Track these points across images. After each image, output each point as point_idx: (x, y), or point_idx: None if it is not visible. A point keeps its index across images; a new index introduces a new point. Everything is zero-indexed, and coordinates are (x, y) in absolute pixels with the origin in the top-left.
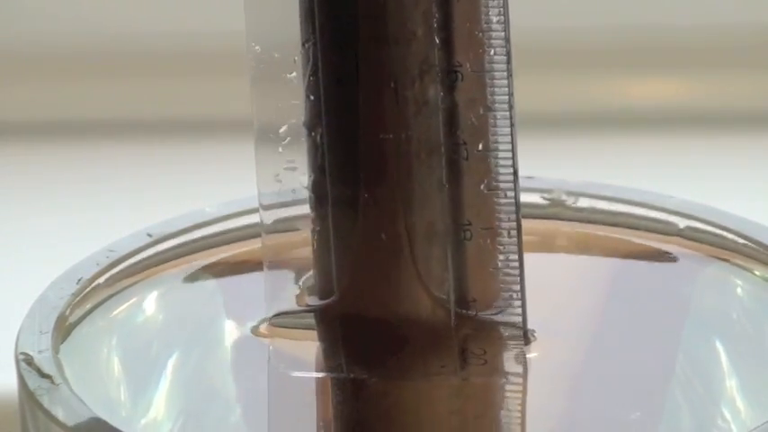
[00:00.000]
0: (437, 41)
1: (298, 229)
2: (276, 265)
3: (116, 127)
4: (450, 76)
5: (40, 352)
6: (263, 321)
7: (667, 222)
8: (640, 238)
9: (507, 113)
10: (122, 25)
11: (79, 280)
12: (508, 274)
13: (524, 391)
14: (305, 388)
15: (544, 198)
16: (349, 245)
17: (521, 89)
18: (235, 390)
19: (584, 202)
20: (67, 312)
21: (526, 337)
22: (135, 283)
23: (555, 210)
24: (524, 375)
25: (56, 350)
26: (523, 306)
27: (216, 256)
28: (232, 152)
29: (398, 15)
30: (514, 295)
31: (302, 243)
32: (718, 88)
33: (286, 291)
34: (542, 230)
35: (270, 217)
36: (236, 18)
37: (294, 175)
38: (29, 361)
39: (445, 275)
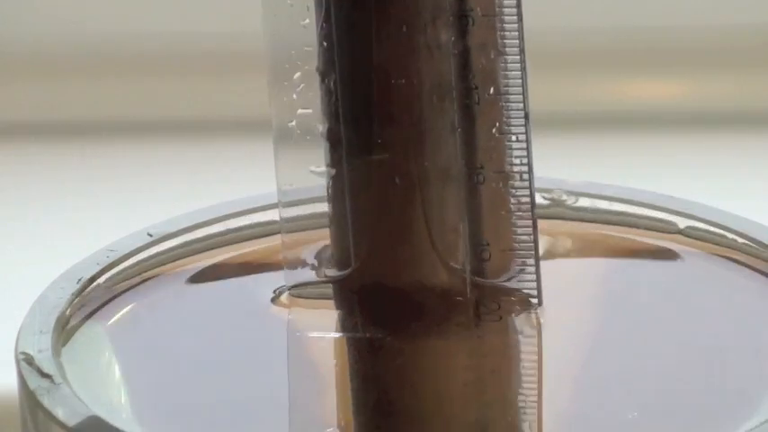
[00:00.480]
0: None
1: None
2: (294, 241)
3: (115, 127)
4: (462, 20)
5: (40, 351)
6: (281, 291)
7: (667, 222)
8: (640, 238)
9: (518, 57)
10: (122, 25)
11: (79, 280)
12: (520, 218)
13: (540, 349)
14: (323, 348)
15: (544, 198)
16: (364, 191)
17: None
18: (237, 391)
19: (584, 202)
20: (68, 312)
21: (540, 297)
22: (135, 283)
23: (555, 210)
24: (538, 334)
25: (56, 350)
26: (537, 268)
27: (217, 256)
28: (232, 152)
29: None
30: (528, 261)
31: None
32: (718, 88)
33: (304, 263)
34: (542, 230)
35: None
36: (236, 19)
37: (309, 121)
38: (29, 361)
39: (459, 219)
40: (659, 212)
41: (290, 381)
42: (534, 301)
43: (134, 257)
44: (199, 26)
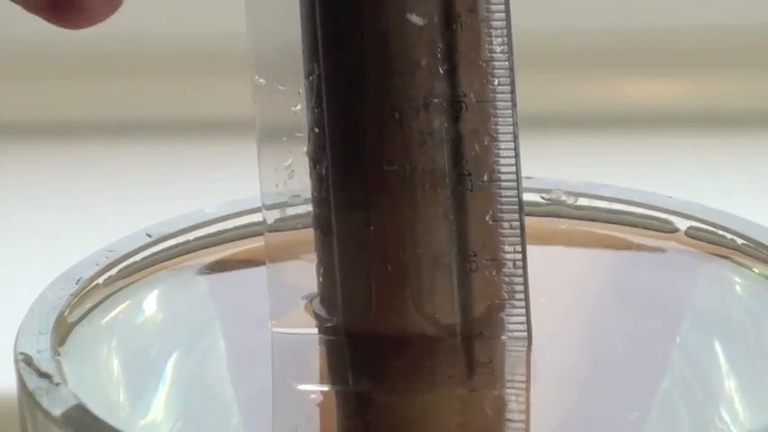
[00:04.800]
0: (441, 72)
1: (299, 228)
2: (280, 273)
3: (115, 127)
4: (455, 107)
5: (39, 352)
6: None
7: (667, 222)
8: (640, 238)
9: (512, 143)
10: (122, 25)
11: (79, 280)
12: (513, 306)
13: (528, 400)
14: (309, 400)
15: (543, 198)
16: (354, 276)
17: (521, 89)
18: (235, 391)
19: (583, 202)
20: (67, 312)
21: (530, 342)
22: (134, 282)
23: (554, 209)
24: (528, 382)
25: (55, 350)
26: (528, 323)
27: (215, 256)
28: (232, 152)
29: (402, 47)
30: (519, 318)
31: (305, 242)
32: (718, 88)
33: (291, 303)
34: (541, 229)
35: (272, 216)
36: (236, 19)
37: (298, 207)
38: (28, 361)
39: (451, 307)
40: (658, 212)
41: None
42: (523, 345)
43: (133, 257)
44: (199, 26)
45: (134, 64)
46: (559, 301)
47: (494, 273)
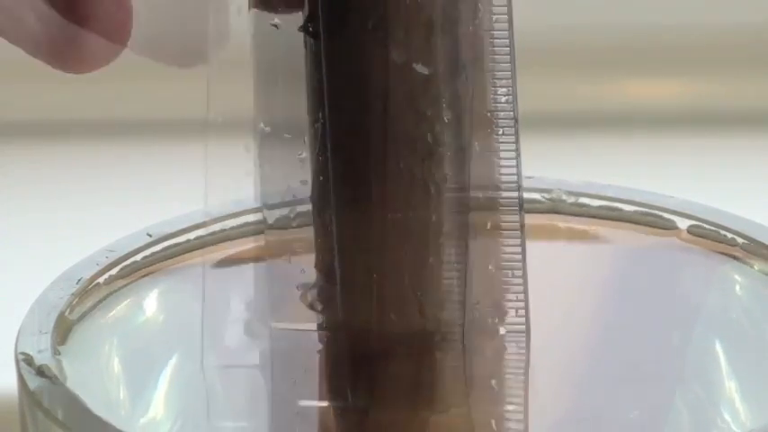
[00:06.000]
0: (446, 121)
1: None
2: (278, 271)
3: (115, 127)
4: (459, 155)
5: (39, 352)
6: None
7: (668, 222)
8: (641, 238)
9: (515, 194)
10: None
11: (79, 280)
12: (513, 301)
13: (527, 419)
14: (308, 417)
15: (544, 198)
16: (358, 333)
17: (521, 88)
18: (233, 391)
19: (583, 202)
20: (67, 312)
21: (528, 337)
22: (134, 282)
23: (554, 209)
24: (527, 403)
25: (56, 350)
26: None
27: (216, 255)
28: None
29: (407, 96)
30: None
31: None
32: (718, 88)
33: (290, 298)
34: (542, 229)
35: (272, 216)
36: (236, 19)
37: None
38: (29, 361)
39: (452, 304)
40: (659, 212)
41: None
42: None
43: (133, 257)
44: (199, 26)
45: (134, 64)
46: (559, 301)
47: (496, 320)
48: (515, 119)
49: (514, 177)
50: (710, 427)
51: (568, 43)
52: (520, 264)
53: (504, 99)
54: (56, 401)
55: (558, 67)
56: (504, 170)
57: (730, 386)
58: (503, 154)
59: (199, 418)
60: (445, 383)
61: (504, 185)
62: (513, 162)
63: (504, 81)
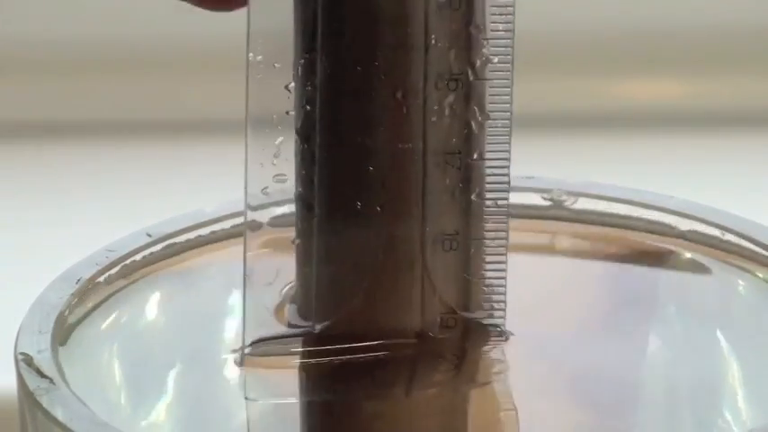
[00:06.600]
0: (440, 49)
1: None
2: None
3: (116, 127)
4: (450, 85)
5: (39, 352)
6: (240, 350)
7: (667, 222)
8: (640, 238)
9: (508, 122)
10: (122, 26)
11: (79, 280)
12: (493, 286)
13: (516, 410)
14: (288, 414)
15: (544, 198)
16: (337, 256)
17: (521, 89)
18: (236, 389)
19: (583, 203)
20: (67, 312)
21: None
22: (134, 282)
23: (554, 209)
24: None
25: (55, 350)
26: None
27: (215, 255)
28: (232, 152)
29: (402, 25)
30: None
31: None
32: (718, 88)
33: (266, 315)
34: (542, 230)
35: (254, 216)
36: (236, 20)
37: (283, 187)
38: (28, 361)
39: (436, 286)
40: (659, 212)
41: None
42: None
43: (133, 257)
44: (199, 27)
45: (134, 64)
46: (559, 301)
47: (472, 251)
48: (511, 46)
49: (507, 106)
50: (711, 427)
51: (568, 43)
52: (505, 195)
53: (502, 27)
54: (55, 401)
55: (558, 67)
56: (496, 98)
57: (731, 386)
58: (496, 82)
59: (199, 419)
60: (430, 366)
61: (496, 114)
62: (507, 90)
63: (502, 8)
